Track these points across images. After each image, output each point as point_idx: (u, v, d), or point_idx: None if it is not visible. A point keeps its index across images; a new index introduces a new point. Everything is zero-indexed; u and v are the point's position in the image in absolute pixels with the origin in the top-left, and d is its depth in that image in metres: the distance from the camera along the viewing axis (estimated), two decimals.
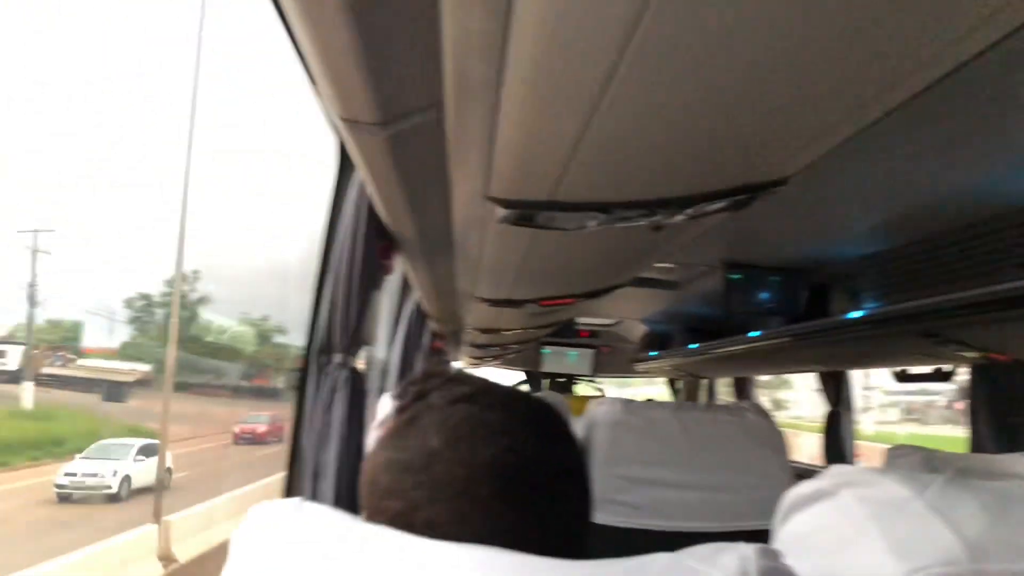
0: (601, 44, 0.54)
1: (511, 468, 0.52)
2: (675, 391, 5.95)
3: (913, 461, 1.66)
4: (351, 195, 1.47)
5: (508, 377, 6.99)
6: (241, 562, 0.44)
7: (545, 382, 5.97)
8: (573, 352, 5.65)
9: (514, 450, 0.52)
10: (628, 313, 4.44)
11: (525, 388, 6.02)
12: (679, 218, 0.97)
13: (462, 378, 0.58)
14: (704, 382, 5.44)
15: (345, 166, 1.44)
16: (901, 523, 0.49)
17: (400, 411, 0.56)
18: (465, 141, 0.86)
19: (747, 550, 0.42)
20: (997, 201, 1.54)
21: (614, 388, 10.34)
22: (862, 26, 0.53)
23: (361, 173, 1.14)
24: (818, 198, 1.65)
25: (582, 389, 6.20)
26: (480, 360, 5.26)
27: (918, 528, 0.48)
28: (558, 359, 5.65)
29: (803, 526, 0.56)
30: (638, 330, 4.87)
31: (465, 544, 0.42)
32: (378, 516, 0.52)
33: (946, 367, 2.56)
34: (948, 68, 0.60)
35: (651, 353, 4.63)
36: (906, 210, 1.70)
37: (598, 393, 6.19)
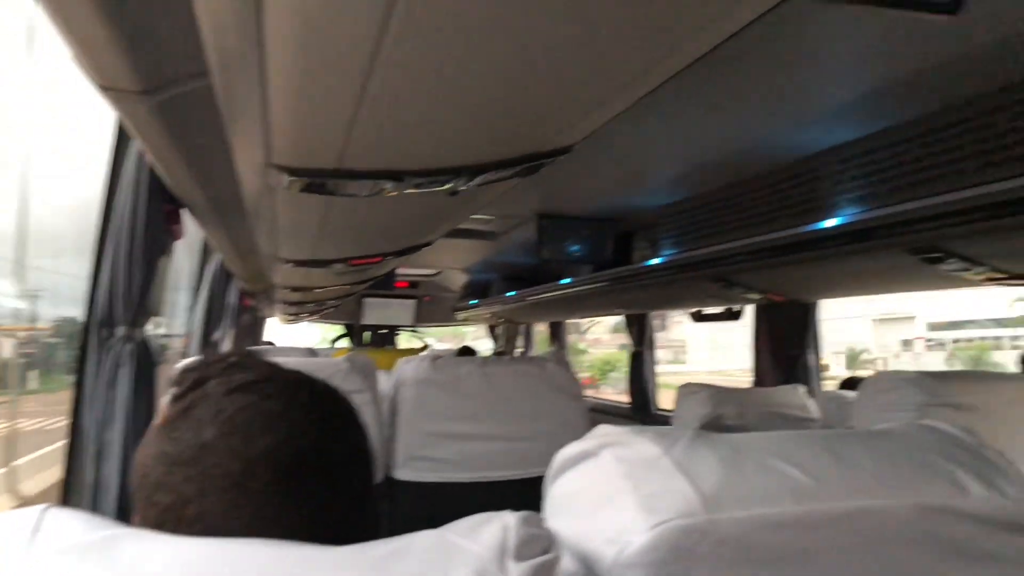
0: (364, 15, 0.51)
1: (288, 458, 0.50)
2: (495, 336, 6.08)
3: (701, 397, 1.81)
4: (130, 161, 1.36)
5: (328, 331, 6.71)
6: None
7: (366, 335, 5.83)
8: (394, 303, 5.53)
9: (292, 440, 0.51)
10: (448, 263, 4.45)
11: (345, 342, 5.83)
12: (472, 184, 0.96)
13: (245, 364, 0.55)
14: (522, 327, 5.60)
15: (123, 133, 1.32)
16: (650, 479, 0.53)
17: (176, 400, 0.53)
18: (238, 109, 0.81)
19: (510, 519, 0.43)
20: (775, 156, 1.69)
21: (450, 338, 10.21)
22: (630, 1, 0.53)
23: (136, 141, 1.04)
24: (622, 153, 1.73)
25: (407, 341, 6.07)
26: (296, 316, 5.04)
27: (664, 483, 0.52)
28: (379, 311, 5.54)
29: (570, 485, 0.60)
30: (459, 279, 4.91)
31: (213, 539, 0.40)
32: (149, 510, 0.50)
33: (735, 307, 2.80)
34: (717, 39, 0.63)
35: (471, 302, 4.70)
36: (699, 164, 1.83)
37: (421, 345, 6.06)
